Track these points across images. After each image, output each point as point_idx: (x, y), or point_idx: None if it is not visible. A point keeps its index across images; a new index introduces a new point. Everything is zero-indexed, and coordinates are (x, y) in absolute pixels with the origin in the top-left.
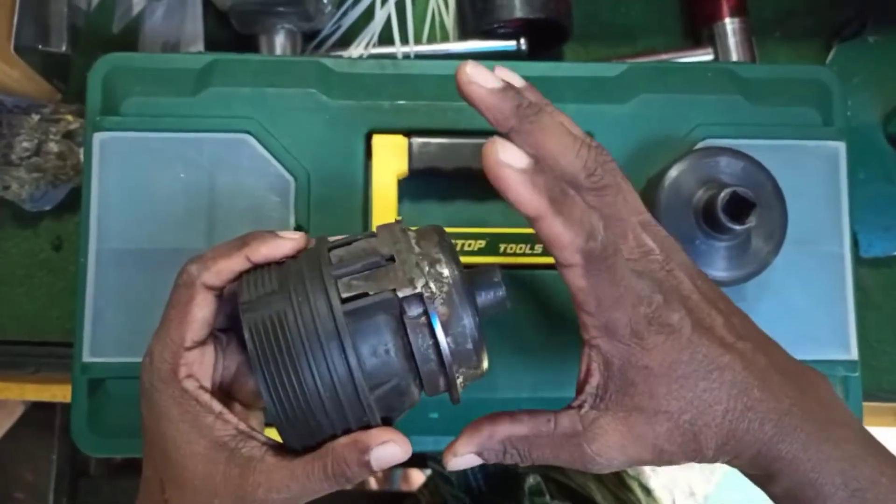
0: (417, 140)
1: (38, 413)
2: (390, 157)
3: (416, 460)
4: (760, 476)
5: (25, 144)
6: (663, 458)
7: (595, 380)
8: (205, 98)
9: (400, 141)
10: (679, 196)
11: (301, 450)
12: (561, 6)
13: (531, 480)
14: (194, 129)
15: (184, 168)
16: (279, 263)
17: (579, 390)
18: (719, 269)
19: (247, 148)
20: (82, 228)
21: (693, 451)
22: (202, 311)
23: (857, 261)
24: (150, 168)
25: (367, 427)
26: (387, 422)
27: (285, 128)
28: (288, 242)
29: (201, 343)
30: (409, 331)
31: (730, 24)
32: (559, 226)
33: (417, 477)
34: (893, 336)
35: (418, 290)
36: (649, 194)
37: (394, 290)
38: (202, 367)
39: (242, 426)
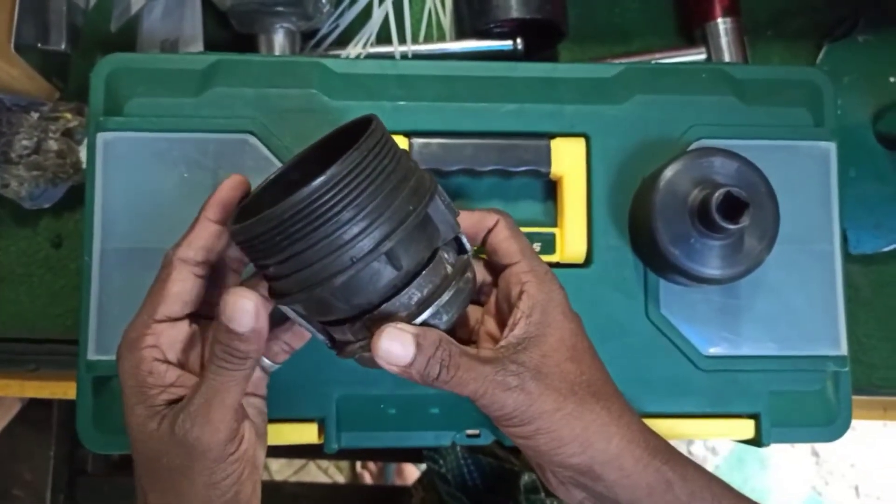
0: (418, 140)
1: (35, 411)
2: None
3: (412, 454)
4: (658, 485)
5: (25, 142)
6: (569, 419)
7: (522, 321)
8: (208, 98)
9: (401, 141)
10: (674, 196)
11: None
12: (556, 7)
13: (526, 478)
14: (198, 129)
15: (187, 168)
16: None
17: (503, 335)
18: (713, 267)
19: (250, 148)
20: (86, 228)
21: (594, 417)
22: (177, 285)
23: (847, 258)
24: (154, 168)
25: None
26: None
27: (288, 128)
28: (227, 187)
29: (176, 319)
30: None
31: (722, 24)
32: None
33: (411, 472)
34: (883, 332)
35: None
36: (645, 193)
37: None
38: (171, 340)
39: (183, 393)
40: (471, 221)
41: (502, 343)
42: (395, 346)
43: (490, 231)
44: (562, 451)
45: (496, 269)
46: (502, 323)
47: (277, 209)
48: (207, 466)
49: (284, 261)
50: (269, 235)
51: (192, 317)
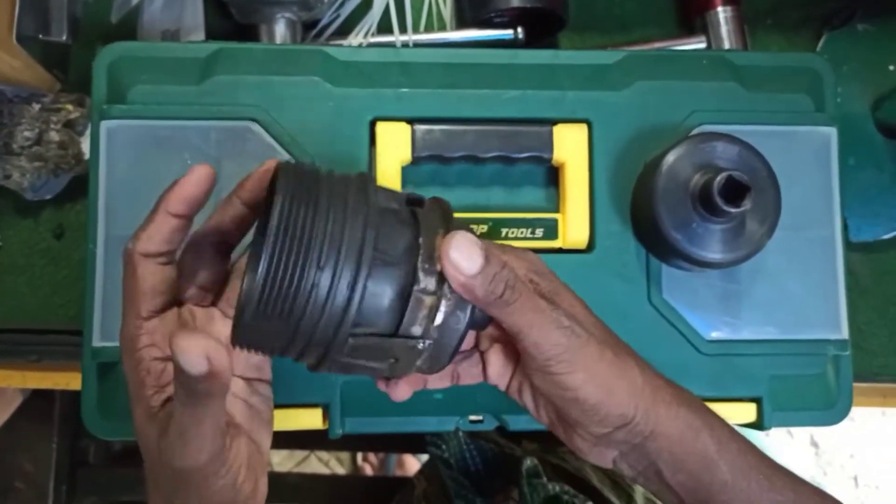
0: (421, 127)
1: (37, 403)
2: (394, 145)
3: (413, 444)
4: (688, 434)
5: (27, 134)
6: (608, 365)
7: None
8: (210, 86)
9: (403, 128)
10: (676, 181)
11: (244, 347)
12: None
13: (528, 463)
14: (200, 116)
15: (191, 155)
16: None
17: None
18: (715, 251)
19: (252, 135)
20: (90, 215)
21: (626, 369)
22: (147, 281)
23: (847, 246)
24: (157, 155)
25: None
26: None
27: (290, 115)
28: (192, 181)
29: (161, 311)
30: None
31: (722, 13)
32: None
33: (412, 463)
34: (882, 319)
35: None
36: (647, 179)
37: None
38: (164, 334)
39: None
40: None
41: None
42: (466, 255)
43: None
44: (609, 401)
45: None
46: None
47: (241, 305)
48: (198, 484)
49: (292, 340)
50: (259, 329)
51: (176, 302)
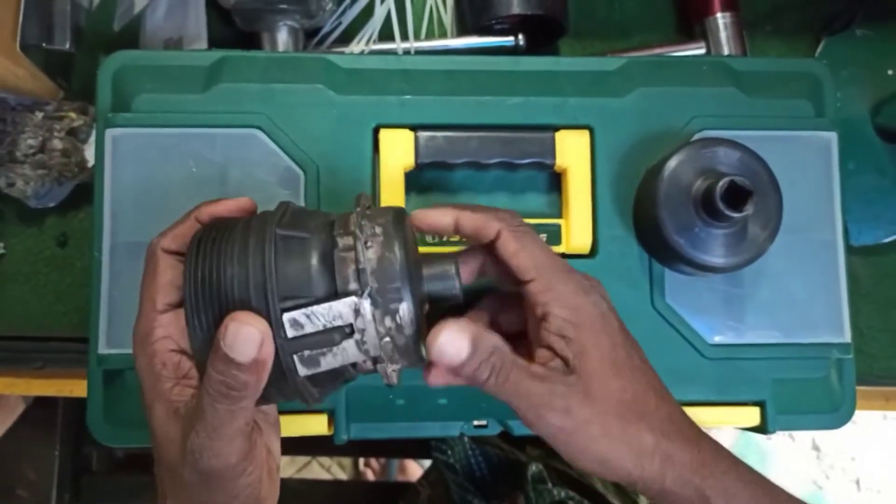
0: (424, 134)
1: (40, 410)
2: (397, 151)
3: (417, 450)
4: (693, 497)
5: (30, 142)
6: (611, 441)
7: (557, 344)
8: (215, 94)
9: (406, 135)
10: (678, 186)
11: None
12: (557, 3)
13: (533, 468)
14: (205, 124)
15: (195, 163)
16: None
17: (541, 362)
18: (717, 256)
19: (257, 142)
20: (95, 223)
21: (636, 438)
22: (166, 274)
23: (848, 249)
24: (162, 163)
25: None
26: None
27: (294, 123)
28: (231, 202)
29: (176, 306)
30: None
31: (721, 19)
32: (469, 215)
33: (414, 469)
34: (883, 322)
35: (351, 242)
36: (649, 184)
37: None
38: (180, 328)
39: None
40: (470, 225)
41: (547, 359)
42: (452, 344)
43: (494, 242)
44: (603, 471)
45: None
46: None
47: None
48: (225, 486)
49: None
50: None
51: None
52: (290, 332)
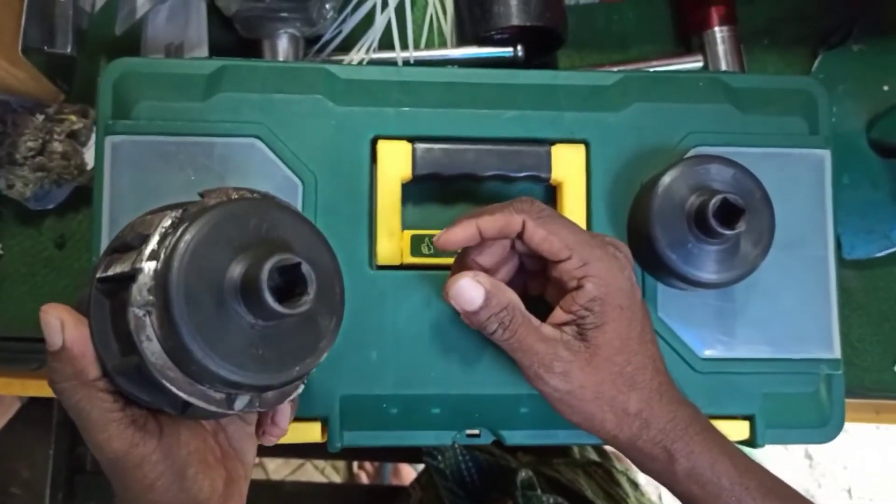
0: (421, 146)
1: (35, 409)
2: (395, 163)
3: (409, 454)
4: (661, 456)
5: (30, 144)
6: (599, 404)
7: (574, 316)
8: (215, 103)
9: (404, 147)
10: (672, 202)
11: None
12: (556, 14)
13: (523, 475)
14: (205, 133)
15: (194, 171)
16: None
17: (557, 322)
18: (709, 272)
19: (256, 152)
20: (94, 229)
21: (622, 405)
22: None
23: (841, 263)
24: (162, 171)
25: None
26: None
27: (293, 133)
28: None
29: None
30: (123, 317)
31: (719, 33)
32: (488, 219)
33: (408, 472)
34: (875, 335)
35: (134, 272)
36: (643, 199)
37: (121, 275)
38: None
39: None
40: (494, 228)
41: (564, 323)
42: (468, 291)
43: (521, 234)
44: (586, 426)
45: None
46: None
47: None
48: (129, 476)
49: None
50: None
51: None
52: (99, 273)
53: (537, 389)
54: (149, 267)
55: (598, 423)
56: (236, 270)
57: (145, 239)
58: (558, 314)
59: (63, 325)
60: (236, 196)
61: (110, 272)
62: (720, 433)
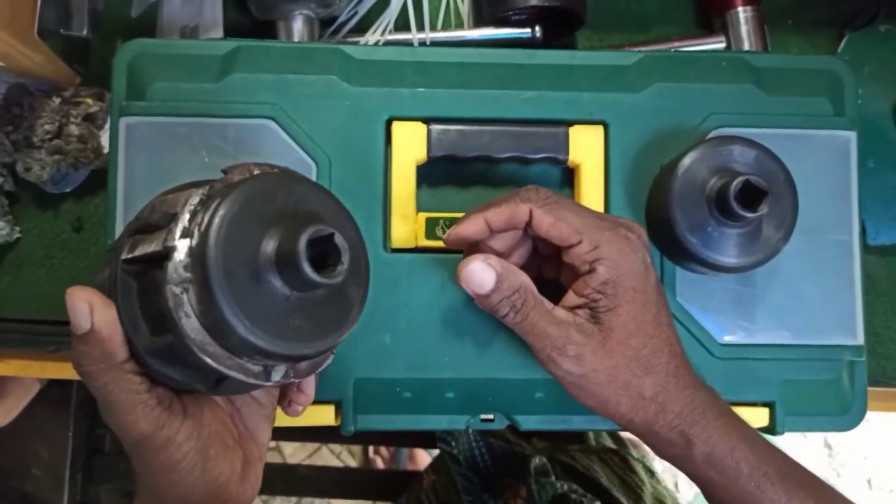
0: (436, 127)
1: (54, 391)
2: (409, 144)
3: (424, 440)
4: (678, 440)
5: (47, 127)
6: (614, 388)
7: (587, 299)
8: (229, 84)
9: (419, 128)
10: (692, 184)
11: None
12: None
13: (537, 461)
14: (218, 114)
15: (208, 152)
16: None
17: (569, 305)
18: (730, 256)
19: (270, 133)
20: (108, 211)
21: (637, 388)
22: None
23: (865, 249)
24: (176, 152)
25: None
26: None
27: (307, 114)
28: None
29: None
30: (154, 297)
31: (742, 13)
32: (495, 211)
33: (423, 457)
34: None
35: (168, 251)
36: (663, 182)
37: (151, 254)
38: None
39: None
40: (501, 220)
41: (577, 306)
42: (479, 274)
43: (529, 223)
44: (601, 410)
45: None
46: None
47: None
48: (153, 457)
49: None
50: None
51: None
52: (125, 254)
53: (550, 373)
54: (182, 244)
55: (613, 407)
56: (270, 244)
57: (173, 217)
58: (571, 297)
59: (92, 308)
60: (258, 171)
61: (138, 252)
62: (739, 417)
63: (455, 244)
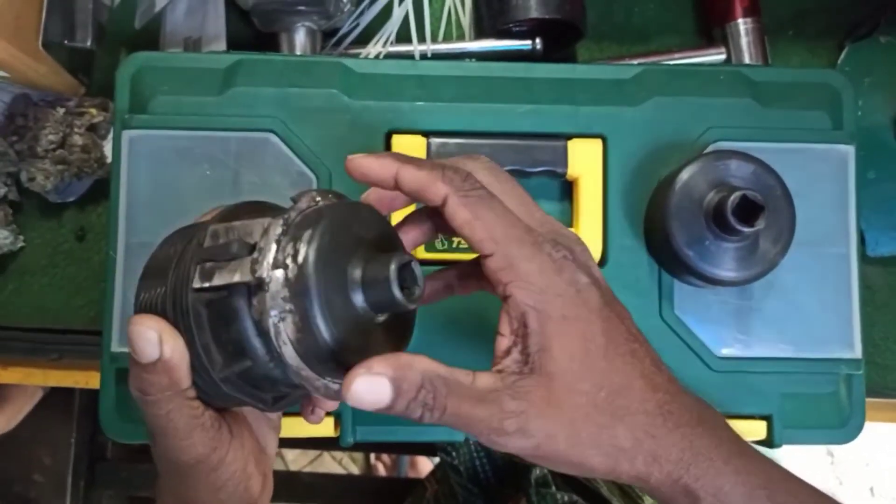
0: (436, 140)
1: (57, 397)
2: None
3: (426, 448)
4: (681, 498)
5: (51, 137)
6: (580, 449)
7: (513, 338)
8: (230, 97)
9: (419, 141)
10: (690, 198)
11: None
12: (575, 6)
13: (537, 472)
14: (220, 127)
15: (210, 166)
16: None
17: (499, 354)
18: (727, 269)
19: (271, 146)
20: (111, 223)
21: (609, 441)
22: None
23: (865, 259)
24: (177, 165)
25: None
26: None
27: (308, 127)
28: None
29: None
30: (248, 323)
31: (742, 25)
32: (412, 171)
33: (425, 464)
34: None
35: (261, 282)
36: (661, 195)
37: (234, 285)
38: None
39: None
40: (411, 187)
41: (500, 367)
42: (369, 393)
43: (441, 208)
44: (583, 473)
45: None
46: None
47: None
48: (202, 479)
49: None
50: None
51: None
52: (199, 283)
53: (508, 451)
54: (277, 275)
55: (589, 469)
56: (356, 272)
57: (252, 248)
58: (500, 342)
59: (161, 337)
60: (319, 198)
61: (216, 282)
62: (754, 453)
63: (355, 175)
